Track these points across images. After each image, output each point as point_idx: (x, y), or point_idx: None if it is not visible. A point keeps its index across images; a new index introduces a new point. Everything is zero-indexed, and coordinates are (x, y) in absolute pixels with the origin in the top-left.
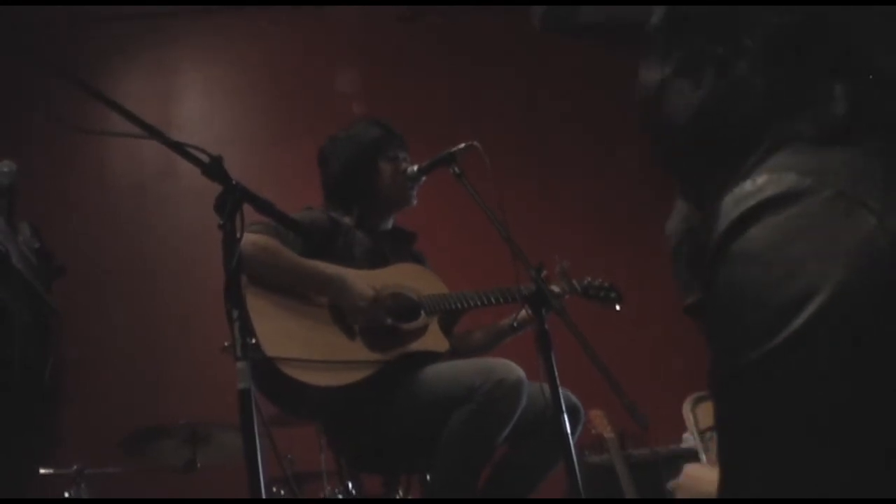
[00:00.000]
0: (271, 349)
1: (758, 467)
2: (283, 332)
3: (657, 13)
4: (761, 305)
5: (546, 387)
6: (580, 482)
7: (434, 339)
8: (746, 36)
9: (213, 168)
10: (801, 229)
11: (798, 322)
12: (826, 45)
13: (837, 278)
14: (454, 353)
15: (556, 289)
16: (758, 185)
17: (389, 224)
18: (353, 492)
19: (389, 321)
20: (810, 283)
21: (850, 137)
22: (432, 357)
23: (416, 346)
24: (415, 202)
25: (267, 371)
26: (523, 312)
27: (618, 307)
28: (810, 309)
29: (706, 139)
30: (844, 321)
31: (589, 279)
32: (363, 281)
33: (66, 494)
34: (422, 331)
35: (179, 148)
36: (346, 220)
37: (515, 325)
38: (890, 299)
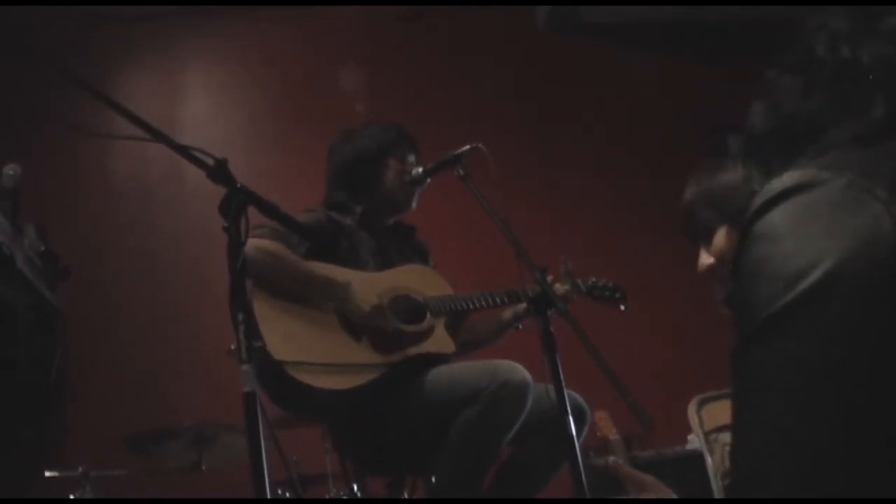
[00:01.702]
0: (278, 353)
1: (764, 430)
2: (289, 336)
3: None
4: (774, 275)
5: (551, 388)
6: (585, 483)
7: (440, 341)
8: (852, 50)
9: (218, 171)
10: (814, 212)
11: (803, 286)
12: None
13: (840, 253)
14: (458, 344)
15: (560, 289)
16: (782, 180)
17: (390, 223)
18: (359, 494)
19: (395, 324)
20: (815, 256)
21: (880, 139)
22: (439, 359)
23: (423, 348)
24: (414, 206)
25: (273, 374)
26: (523, 305)
27: (623, 307)
28: (815, 275)
29: (780, 135)
30: (846, 288)
31: (594, 279)
32: (368, 284)
33: (72, 497)
34: (428, 333)
35: (184, 151)
36: (348, 220)
37: (520, 326)
38: (889, 274)
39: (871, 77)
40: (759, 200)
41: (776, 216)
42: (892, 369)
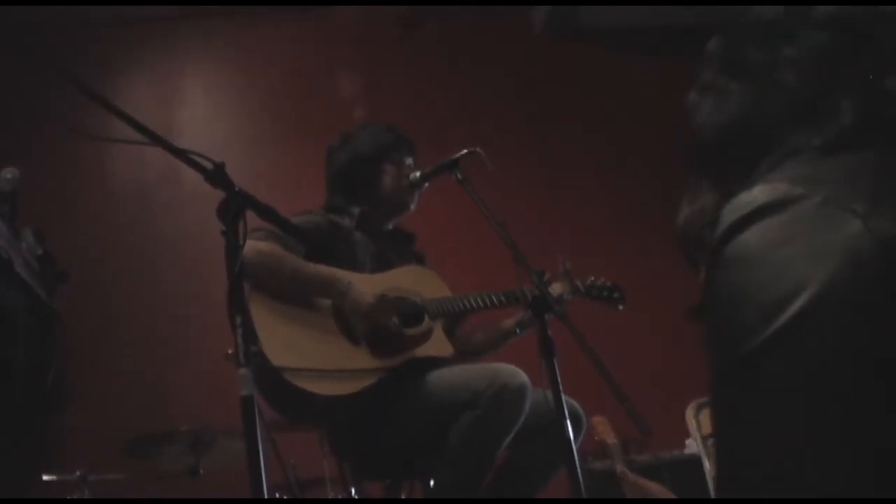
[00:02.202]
0: (276, 358)
1: (749, 461)
2: (287, 341)
3: (719, 35)
4: (751, 304)
5: (549, 393)
6: (583, 488)
7: (438, 344)
8: (788, 46)
9: (216, 174)
10: (790, 233)
11: (784, 318)
12: (853, 63)
13: (823, 277)
14: (456, 353)
15: (558, 290)
16: (753, 194)
17: (389, 226)
18: (356, 497)
19: (394, 326)
20: (797, 282)
21: (848, 148)
22: (437, 362)
23: (421, 351)
24: (413, 208)
25: (272, 380)
26: (526, 314)
27: (621, 307)
28: (795, 306)
29: (732, 140)
30: (828, 317)
31: (592, 279)
32: (367, 285)
33: (69, 499)
34: (426, 335)
35: (182, 155)
36: (346, 222)
37: (518, 329)
38: (873, 296)
39: (812, 74)
40: (728, 218)
41: (750, 238)
42: (881, 391)
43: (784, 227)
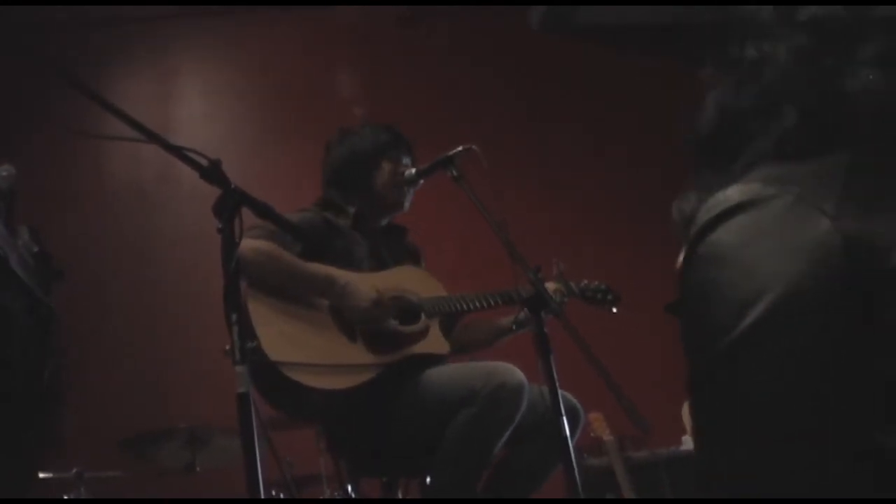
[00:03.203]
0: (273, 354)
1: (723, 458)
2: (284, 337)
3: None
4: (723, 302)
5: (546, 389)
6: (579, 485)
7: (435, 342)
8: (769, 44)
9: (212, 172)
10: (760, 231)
11: (753, 315)
12: (816, 65)
13: (791, 274)
14: (452, 351)
15: (553, 289)
16: (727, 194)
17: (383, 223)
18: (353, 495)
19: (391, 324)
20: (766, 279)
21: (819, 151)
22: (434, 360)
23: (418, 348)
24: (407, 206)
25: (268, 374)
26: (523, 313)
27: (614, 309)
28: (764, 303)
29: (715, 137)
30: (796, 314)
31: (586, 281)
32: (364, 284)
33: (66, 497)
34: (423, 333)
35: (178, 152)
36: (341, 221)
37: (515, 327)
38: (840, 293)
39: (787, 74)
40: (702, 217)
41: (721, 236)
42: (847, 391)
43: (755, 226)
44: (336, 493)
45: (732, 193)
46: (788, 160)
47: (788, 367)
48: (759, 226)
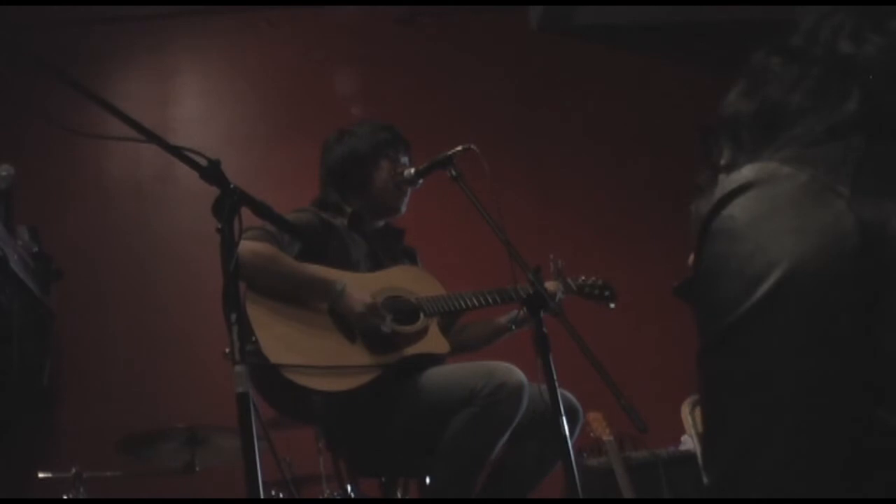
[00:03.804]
0: (273, 355)
1: (728, 430)
2: (284, 339)
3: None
4: (735, 276)
5: (545, 388)
6: (578, 484)
7: (434, 342)
8: (816, 46)
9: (211, 172)
10: (774, 208)
11: (762, 290)
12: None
13: (801, 252)
14: (452, 350)
15: (551, 289)
16: (742, 172)
17: (380, 224)
18: (352, 495)
19: (385, 329)
20: (777, 255)
21: (842, 134)
22: (433, 359)
23: (417, 348)
24: (404, 209)
25: (268, 376)
26: (520, 312)
27: (612, 305)
28: (773, 278)
29: (759, 120)
30: (804, 291)
31: (583, 278)
32: (362, 285)
33: (65, 497)
34: (422, 333)
35: (178, 152)
36: (338, 221)
37: (513, 326)
38: (851, 274)
39: (869, 74)
40: (717, 194)
41: (735, 211)
42: (853, 368)
43: (769, 202)
44: (335, 494)
45: (747, 171)
46: (806, 143)
47: (797, 341)
48: (773, 203)
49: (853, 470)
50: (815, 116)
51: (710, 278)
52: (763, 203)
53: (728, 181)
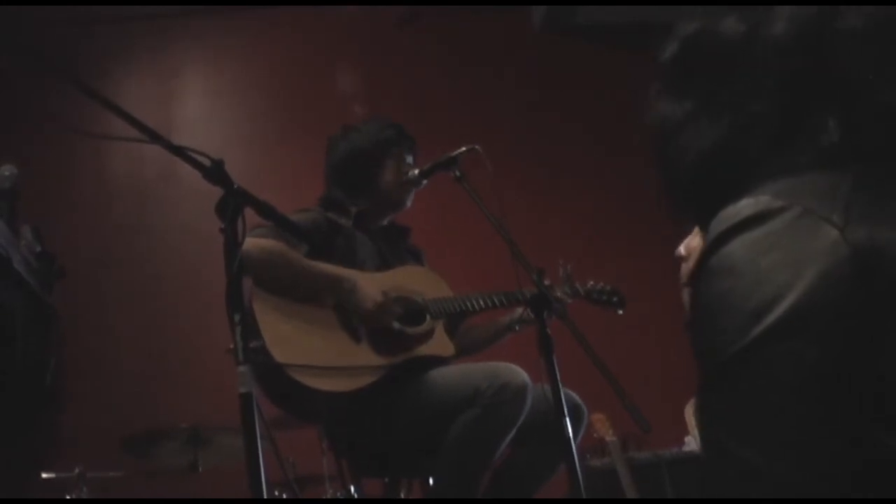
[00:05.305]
0: (279, 354)
1: (730, 461)
2: (290, 337)
3: (670, 47)
4: (736, 311)
5: (548, 389)
6: (582, 485)
7: (440, 344)
8: (764, 75)
9: (215, 172)
10: (771, 243)
11: (763, 325)
12: (831, 82)
13: (802, 285)
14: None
15: (559, 293)
16: (737, 208)
17: (384, 223)
18: (355, 495)
19: (396, 325)
20: (777, 290)
21: (829, 162)
22: (438, 361)
23: (423, 350)
24: (409, 203)
25: (273, 375)
26: (524, 311)
27: (620, 311)
28: (775, 314)
29: (718, 172)
30: (806, 324)
31: (592, 283)
32: (370, 285)
33: (69, 497)
34: (428, 335)
35: (181, 152)
36: (343, 220)
37: (517, 326)
38: (849, 303)
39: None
40: (714, 230)
41: (734, 249)
42: (859, 396)
43: (766, 238)
44: (339, 494)
45: (742, 207)
46: (795, 174)
47: (799, 373)
48: (770, 238)
49: (859, 500)
50: (790, 150)
51: (710, 314)
52: (760, 239)
53: (724, 217)
